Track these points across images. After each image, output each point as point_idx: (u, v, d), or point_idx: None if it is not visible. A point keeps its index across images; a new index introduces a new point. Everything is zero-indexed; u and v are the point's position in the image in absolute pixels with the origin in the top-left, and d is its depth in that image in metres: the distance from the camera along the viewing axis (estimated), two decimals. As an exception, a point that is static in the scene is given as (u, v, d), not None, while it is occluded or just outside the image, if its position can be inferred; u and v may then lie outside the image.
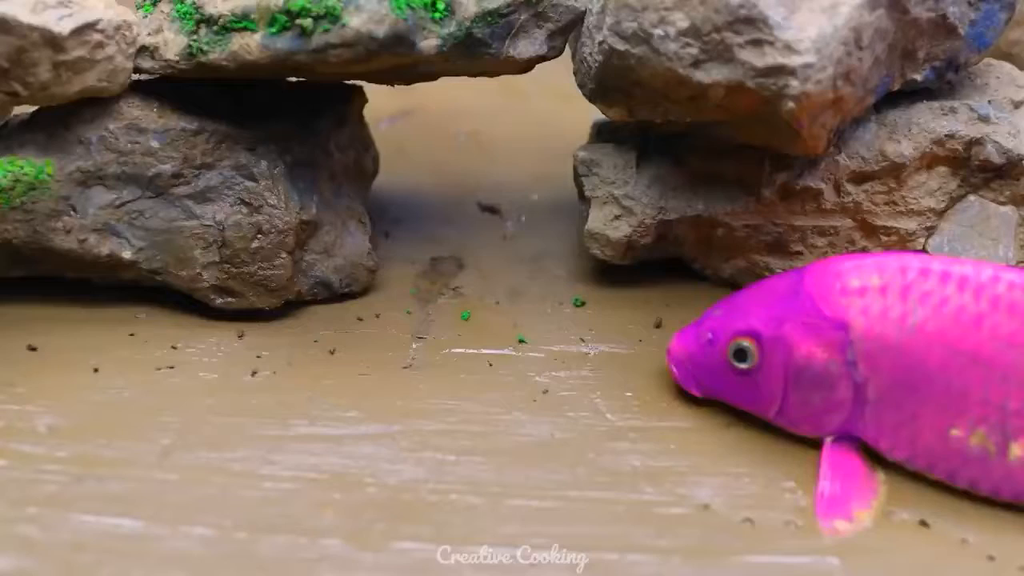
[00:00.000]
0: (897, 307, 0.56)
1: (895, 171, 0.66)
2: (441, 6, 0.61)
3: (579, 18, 0.65)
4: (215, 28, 0.61)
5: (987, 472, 0.56)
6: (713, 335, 0.60)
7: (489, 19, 0.63)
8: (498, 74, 0.67)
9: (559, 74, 0.68)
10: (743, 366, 0.59)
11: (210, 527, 0.53)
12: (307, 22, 0.59)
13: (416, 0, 0.60)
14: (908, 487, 0.57)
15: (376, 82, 0.68)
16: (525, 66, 0.66)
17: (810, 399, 0.58)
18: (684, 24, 0.60)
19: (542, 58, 0.66)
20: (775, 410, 0.59)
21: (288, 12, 0.59)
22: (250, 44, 0.60)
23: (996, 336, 0.55)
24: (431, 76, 0.67)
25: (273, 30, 0.60)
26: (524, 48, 0.65)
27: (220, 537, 0.53)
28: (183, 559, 0.51)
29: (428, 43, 0.61)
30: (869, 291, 0.57)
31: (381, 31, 0.59)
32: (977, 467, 0.56)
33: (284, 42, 0.60)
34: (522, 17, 0.64)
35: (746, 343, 0.59)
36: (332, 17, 0.59)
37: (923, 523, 0.55)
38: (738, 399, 0.60)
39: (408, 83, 0.69)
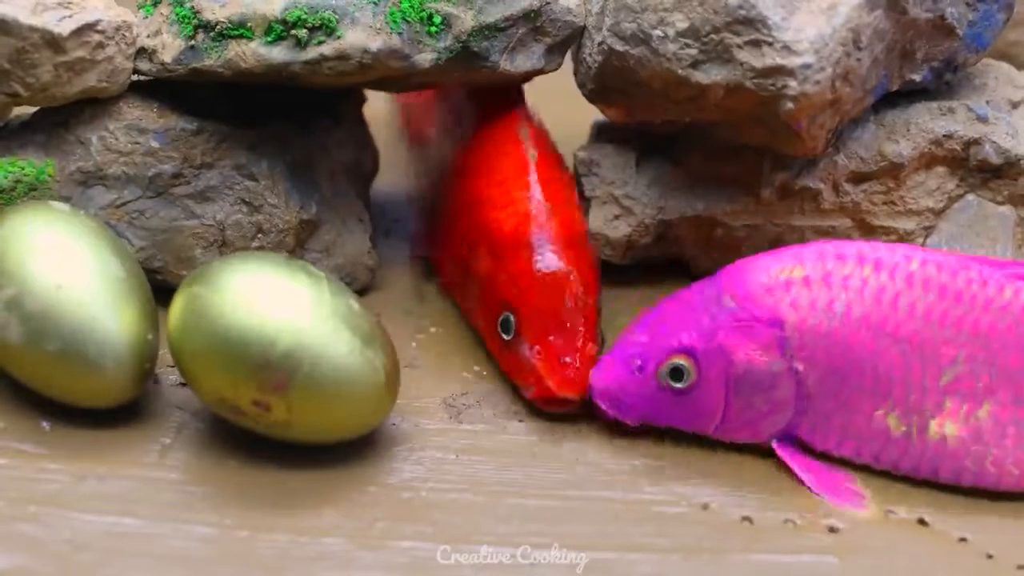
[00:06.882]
0: (823, 295, 0.56)
1: (893, 171, 0.67)
2: (437, 20, 0.61)
3: (578, 33, 0.65)
4: (212, 34, 0.61)
5: (907, 451, 0.56)
6: (642, 361, 0.58)
7: (487, 33, 0.63)
8: (496, 86, 0.67)
9: (559, 74, 0.68)
10: (680, 385, 0.57)
11: (210, 526, 0.53)
12: (302, 33, 0.59)
13: (412, 14, 0.61)
14: (906, 486, 0.57)
15: (372, 89, 0.68)
16: (522, 79, 0.66)
17: (753, 403, 0.57)
18: (683, 25, 0.60)
19: (540, 71, 0.66)
20: (715, 423, 0.58)
21: (284, 22, 0.59)
22: (246, 52, 0.61)
23: (914, 314, 0.55)
24: (428, 85, 0.67)
25: (269, 39, 0.60)
26: (522, 62, 0.65)
27: (220, 536, 0.53)
28: (184, 558, 0.52)
29: (423, 56, 0.61)
30: (794, 283, 0.57)
31: (375, 45, 0.60)
32: (898, 447, 0.56)
33: (279, 52, 0.60)
34: (520, 31, 0.64)
35: (681, 361, 0.57)
36: (327, 29, 0.59)
37: (922, 521, 0.55)
38: (675, 419, 0.58)
39: (403, 91, 0.69)
